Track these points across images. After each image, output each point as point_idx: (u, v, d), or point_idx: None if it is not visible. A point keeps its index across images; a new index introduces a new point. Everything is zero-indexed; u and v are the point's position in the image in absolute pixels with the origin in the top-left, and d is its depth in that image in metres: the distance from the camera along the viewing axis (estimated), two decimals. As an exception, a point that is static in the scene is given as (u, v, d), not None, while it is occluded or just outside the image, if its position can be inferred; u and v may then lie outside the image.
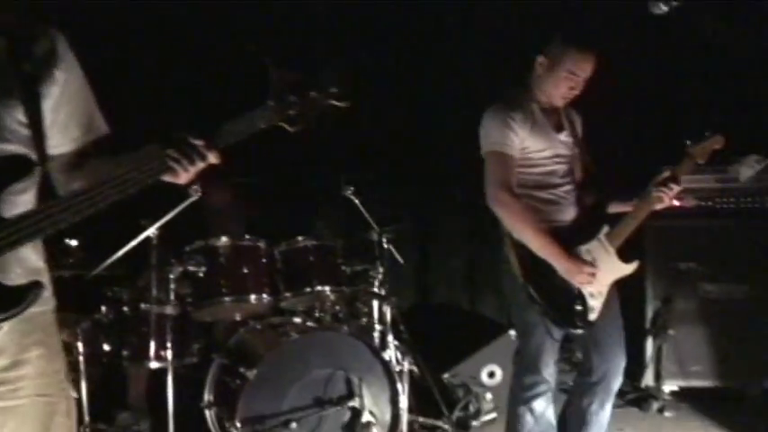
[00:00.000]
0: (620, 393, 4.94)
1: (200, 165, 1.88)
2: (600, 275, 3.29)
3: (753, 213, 4.74)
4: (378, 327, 4.42)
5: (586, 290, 3.30)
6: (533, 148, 3.31)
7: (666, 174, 3.29)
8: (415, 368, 4.44)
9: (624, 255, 3.33)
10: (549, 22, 5.25)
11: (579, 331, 3.33)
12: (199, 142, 1.86)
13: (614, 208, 3.46)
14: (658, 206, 3.31)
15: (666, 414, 4.78)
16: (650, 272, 4.82)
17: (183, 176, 1.89)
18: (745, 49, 4.50)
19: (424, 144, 5.47)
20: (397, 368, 4.28)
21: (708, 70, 4.94)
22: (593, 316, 3.30)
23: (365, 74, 5.00)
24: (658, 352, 4.84)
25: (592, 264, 3.28)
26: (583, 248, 3.31)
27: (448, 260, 5.55)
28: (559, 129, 3.41)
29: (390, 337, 4.41)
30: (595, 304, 3.31)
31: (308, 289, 4.16)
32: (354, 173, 4.49)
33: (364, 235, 4.53)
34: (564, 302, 3.29)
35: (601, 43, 3.30)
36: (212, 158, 1.89)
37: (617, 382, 3.47)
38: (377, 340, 4.39)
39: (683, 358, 4.87)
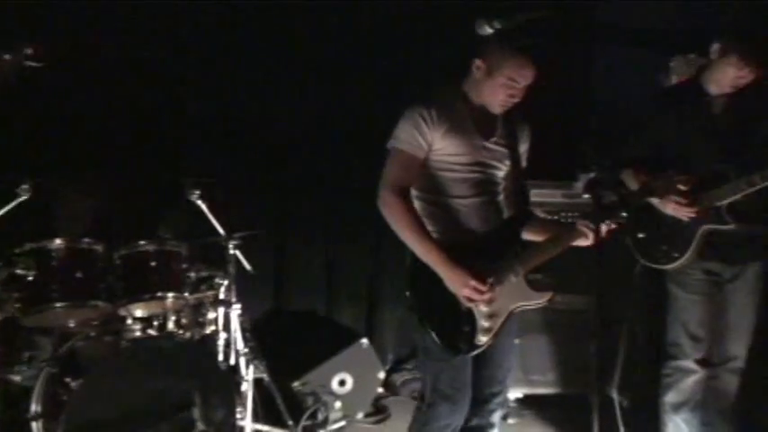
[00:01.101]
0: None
1: None
2: (500, 298, 3.07)
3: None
4: (223, 334, 4.36)
5: (481, 310, 3.06)
6: (447, 151, 3.10)
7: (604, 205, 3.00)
8: (264, 376, 4.41)
9: (538, 282, 3.14)
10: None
11: (462, 356, 3.07)
12: None
13: (530, 234, 3.22)
14: (580, 243, 3.07)
15: (510, 421, 4.87)
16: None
17: None
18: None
19: (282, 149, 5.41)
20: (246, 377, 4.25)
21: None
22: (483, 338, 3.05)
23: (221, 74, 5.07)
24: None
25: (488, 281, 3.03)
26: (482, 264, 3.06)
27: (305, 267, 5.48)
28: (488, 136, 3.18)
29: (240, 345, 4.36)
30: (489, 326, 3.06)
31: (149, 295, 4.06)
32: (205, 177, 4.39)
33: (212, 240, 4.45)
34: (449, 321, 3.05)
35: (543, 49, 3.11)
36: None
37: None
38: (221, 348, 4.33)
39: (529, 366, 4.93)
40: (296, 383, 4.66)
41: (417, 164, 3.10)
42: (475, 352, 3.07)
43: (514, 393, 4.96)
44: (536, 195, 4.82)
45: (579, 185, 4.74)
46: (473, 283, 2.98)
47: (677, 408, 3.92)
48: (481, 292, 2.99)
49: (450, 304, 3.02)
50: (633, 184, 3.80)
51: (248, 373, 4.28)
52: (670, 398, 3.94)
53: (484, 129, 3.18)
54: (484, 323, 3.05)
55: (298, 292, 5.55)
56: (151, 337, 4.07)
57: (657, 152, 3.79)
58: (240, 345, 4.36)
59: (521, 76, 3.06)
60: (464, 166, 3.12)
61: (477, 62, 3.13)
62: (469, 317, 3.04)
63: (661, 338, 4.04)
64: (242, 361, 4.32)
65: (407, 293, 3.07)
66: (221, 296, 4.39)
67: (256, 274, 4.86)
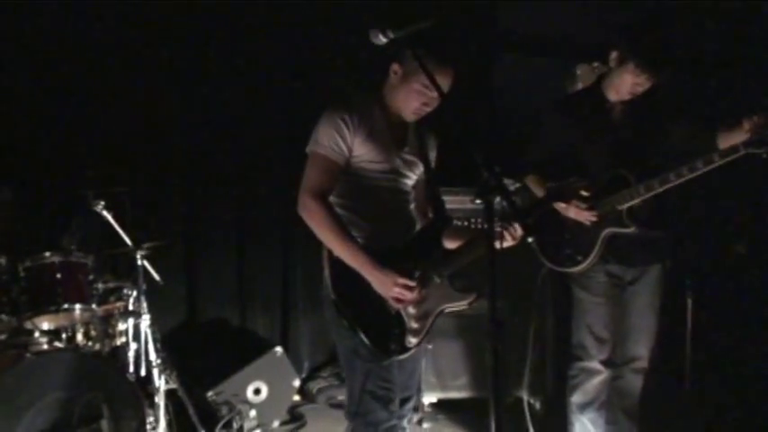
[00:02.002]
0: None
1: None
2: (427, 299, 3.05)
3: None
4: (133, 345, 4.33)
5: (409, 312, 3.04)
6: (366, 158, 3.06)
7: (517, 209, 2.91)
8: (176, 387, 4.36)
9: (461, 284, 3.13)
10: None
11: (394, 357, 3.01)
12: None
13: (447, 240, 3.19)
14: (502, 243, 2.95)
15: (424, 425, 4.91)
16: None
17: None
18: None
19: (189, 156, 5.35)
20: (161, 388, 4.23)
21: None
22: (413, 340, 3.03)
23: (126, 80, 5.00)
24: (418, 366, 4.88)
25: (414, 280, 2.98)
26: (411, 270, 3.01)
27: (217, 277, 5.43)
28: (402, 145, 3.15)
29: (152, 356, 4.32)
30: (417, 327, 3.04)
31: (55, 307, 4.01)
32: (110, 186, 4.33)
33: (119, 251, 4.40)
34: (379, 323, 2.99)
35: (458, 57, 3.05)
36: None
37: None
38: (132, 359, 4.29)
39: (442, 371, 4.97)
40: (210, 393, 4.63)
41: (338, 169, 3.04)
42: (406, 354, 3.04)
43: (428, 398, 4.99)
44: (447, 203, 4.88)
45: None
46: (401, 280, 2.92)
47: (583, 407, 3.97)
48: (410, 290, 2.94)
49: (378, 307, 2.98)
50: (538, 190, 3.87)
51: (160, 384, 4.24)
52: (576, 398, 3.98)
53: (398, 137, 3.16)
54: (413, 324, 3.02)
55: (210, 303, 5.49)
56: (56, 349, 3.98)
57: (558, 158, 3.86)
58: (152, 355, 4.31)
59: (440, 82, 2.91)
60: (381, 174, 3.09)
61: (395, 66, 3.07)
62: (398, 319, 3.01)
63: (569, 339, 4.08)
64: (154, 372, 4.28)
65: (333, 298, 2.98)
66: (130, 307, 4.36)
67: (168, 286, 4.82)
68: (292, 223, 3.18)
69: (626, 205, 3.70)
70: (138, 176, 4.89)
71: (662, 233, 3.86)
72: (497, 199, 2.56)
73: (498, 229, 2.87)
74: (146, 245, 4.36)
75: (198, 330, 5.41)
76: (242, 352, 4.94)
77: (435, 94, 2.94)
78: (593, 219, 3.73)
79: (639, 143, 3.77)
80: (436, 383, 4.99)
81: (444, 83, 2.95)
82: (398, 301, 2.96)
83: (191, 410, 4.31)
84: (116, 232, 4.30)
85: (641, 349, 3.95)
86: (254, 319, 5.58)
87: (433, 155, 3.31)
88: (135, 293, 4.35)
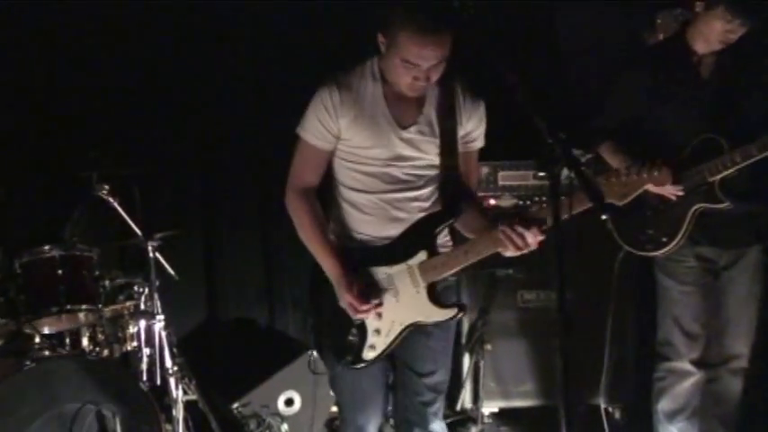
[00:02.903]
0: (437, 418, 5.03)
1: None
2: (393, 310, 3.10)
3: (576, 214, 4.83)
4: (146, 350, 4.37)
5: (371, 323, 3.12)
6: (356, 142, 3.08)
7: (531, 211, 2.94)
8: (196, 397, 4.43)
9: (442, 296, 3.12)
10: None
11: (350, 367, 3.16)
12: None
13: (466, 231, 3.17)
14: (502, 251, 2.93)
15: (485, 439, 4.90)
16: (464, 279, 4.86)
17: None
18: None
19: (213, 138, 5.39)
20: (179, 398, 4.26)
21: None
22: (369, 354, 3.12)
23: (130, 53, 5.04)
24: (475, 370, 4.91)
25: (371, 302, 3.06)
26: (381, 271, 3.11)
27: (241, 271, 5.49)
28: (408, 123, 3.10)
29: (168, 362, 4.36)
30: (378, 342, 3.11)
31: (57, 308, 4.06)
32: (117, 169, 4.37)
33: (128, 243, 4.46)
34: (339, 328, 3.15)
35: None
36: None
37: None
38: (144, 366, 4.35)
39: (504, 376, 4.97)
40: (236, 405, 4.65)
41: (323, 156, 3.14)
42: (359, 366, 3.15)
43: (488, 407, 4.99)
44: (506, 179, 4.90)
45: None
46: (348, 298, 3.03)
47: (672, 416, 3.96)
48: (357, 310, 3.05)
49: (342, 312, 3.12)
50: (613, 161, 3.84)
51: (178, 395, 4.28)
52: (664, 405, 3.98)
53: (402, 114, 3.11)
54: (372, 338, 3.11)
55: (234, 301, 5.54)
56: (59, 355, 4.03)
57: (636, 122, 3.84)
58: (168, 362, 4.35)
59: (418, 57, 2.88)
60: (373, 160, 3.10)
61: (380, 36, 3.00)
62: (362, 329, 3.13)
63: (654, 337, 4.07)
64: (170, 380, 4.31)
65: (308, 297, 3.25)
66: (142, 307, 4.40)
67: (185, 281, 4.86)
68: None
69: (718, 176, 3.67)
70: (148, 156, 4.92)
71: (762, 208, 3.83)
72: (564, 171, 2.54)
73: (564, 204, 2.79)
74: (158, 235, 4.39)
75: (220, 332, 5.45)
76: (271, 357, 4.97)
77: (423, 67, 2.91)
78: (680, 192, 3.69)
79: (733, 102, 3.73)
80: (497, 390, 4.98)
81: (426, 56, 2.89)
82: (355, 311, 3.06)
83: (213, 424, 4.36)
84: (124, 221, 4.34)
85: (740, 346, 3.93)
86: (284, 318, 5.60)
87: (470, 127, 3.20)
88: (147, 291, 4.38)
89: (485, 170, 4.90)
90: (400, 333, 3.10)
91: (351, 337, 3.13)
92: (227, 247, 5.50)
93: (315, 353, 4.69)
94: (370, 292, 3.08)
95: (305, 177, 3.16)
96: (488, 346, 4.83)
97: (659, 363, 3.98)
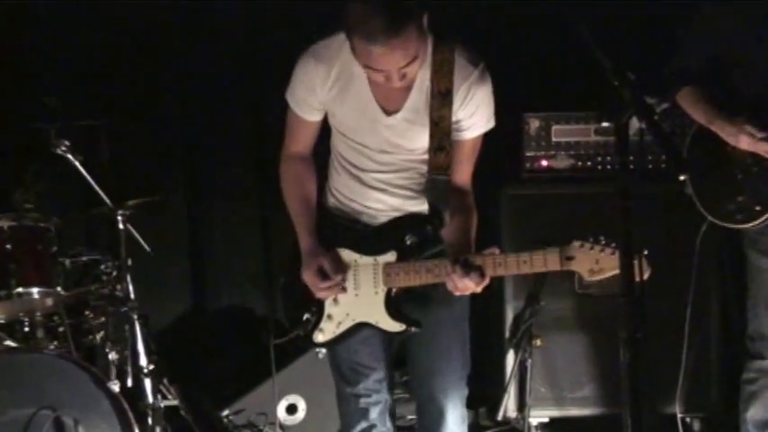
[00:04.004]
0: (476, 429, 5.00)
1: None
2: (350, 302, 3.43)
3: (648, 176, 4.79)
4: (113, 345, 4.35)
5: (328, 306, 3.46)
6: (340, 120, 3.37)
7: (485, 253, 3.14)
8: (177, 403, 4.46)
9: (399, 304, 3.35)
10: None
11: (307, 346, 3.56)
12: None
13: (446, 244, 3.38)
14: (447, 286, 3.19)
15: (535, 453, 4.90)
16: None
17: None
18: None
19: (200, 83, 5.37)
20: (156, 404, 4.29)
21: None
22: (318, 337, 3.49)
23: None
24: (522, 371, 4.87)
25: (338, 271, 3.38)
26: (352, 257, 3.44)
27: (235, 247, 5.48)
28: (393, 109, 3.29)
29: (142, 360, 4.38)
30: (327, 329, 3.47)
31: (4, 291, 4.08)
32: (80, 119, 4.39)
33: (94, 212, 4.46)
34: (302, 299, 3.47)
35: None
36: None
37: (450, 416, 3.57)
38: (113, 364, 4.36)
39: (557, 378, 4.94)
40: (226, 412, 4.67)
41: (311, 126, 3.45)
42: (309, 346, 3.56)
43: (538, 416, 4.95)
44: (561, 134, 4.85)
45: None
46: (309, 275, 3.37)
47: (765, 427, 3.97)
48: (317, 288, 3.38)
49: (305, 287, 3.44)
50: (695, 111, 3.86)
51: (154, 399, 4.29)
52: (754, 413, 3.98)
53: (388, 99, 3.28)
54: (323, 323, 3.47)
55: (225, 284, 5.54)
56: (8, 350, 4.06)
57: (721, 64, 3.81)
58: (142, 359, 4.36)
59: (379, 64, 3.00)
60: (353, 143, 3.40)
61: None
62: (319, 310, 3.48)
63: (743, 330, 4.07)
64: (146, 382, 4.33)
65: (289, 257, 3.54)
66: (111, 291, 4.37)
67: (165, 260, 4.91)
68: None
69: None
70: (119, 106, 4.92)
71: None
72: (634, 122, 2.50)
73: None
74: (131, 202, 4.39)
75: (208, 323, 5.46)
76: (269, 354, 4.95)
77: (391, 69, 3.01)
78: (780, 150, 3.68)
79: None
80: (549, 396, 4.94)
81: (387, 60, 2.97)
82: (315, 289, 3.40)
83: (200, 436, 4.34)
84: (89, 185, 4.30)
85: None
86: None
87: (466, 113, 3.30)
88: (117, 271, 4.37)
89: (534, 124, 4.85)
90: (350, 329, 3.43)
91: (307, 314, 3.47)
92: (217, 218, 5.50)
93: (323, 350, 4.75)
94: (337, 272, 3.38)
95: (295, 145, 3.51)
96: (538, 342, 4.78)
97: (749, 362, 3.98)
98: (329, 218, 3.52)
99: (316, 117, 3.40)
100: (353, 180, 3.46)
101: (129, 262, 4.39)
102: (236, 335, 5.43)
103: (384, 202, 3.44)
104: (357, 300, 3.41)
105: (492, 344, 5.04)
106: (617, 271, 2.76)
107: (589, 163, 4.86)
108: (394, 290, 3.34)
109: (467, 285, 3.11)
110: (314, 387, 4.79)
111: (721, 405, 4.76)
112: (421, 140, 3.30)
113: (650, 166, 4.71)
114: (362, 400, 3.59)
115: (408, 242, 3.34)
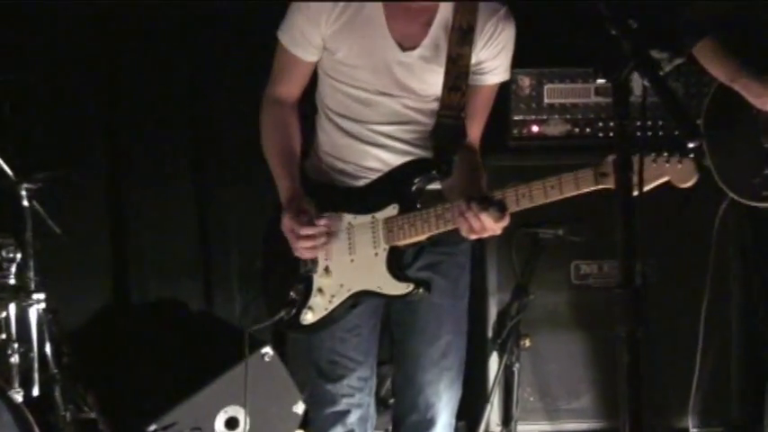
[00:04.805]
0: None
1: None
2: (344, 270, 3.45)
3: (659, 145, 4.78)
4: (16, 346, 4.31)
5: (317, 279, 3.47)
6: (342, 57, 3.41)
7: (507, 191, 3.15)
8: (94, 415, 4.48)
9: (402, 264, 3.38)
10: None
11: (285, 329, 3.65)
12: None
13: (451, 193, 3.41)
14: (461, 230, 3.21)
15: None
16: (491, 245, 4.85)
17: None
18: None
19: (122, 29, 5.34)
20: (66, 416, 4.30)
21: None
22: (307, 317, 3.48)
23: None
24: (507, 377, 4.89)
25: (319, 222, 3.37)
26: (345, 219, 3.46)
27: (166, 232, 5.47)
28: (410, 44, 3.38)
29: (53, 364, 4.40)
30: (318, 305, 3.48)
31: None
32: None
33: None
34: (284, 279, 3.52)
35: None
36: None
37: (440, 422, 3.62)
38: (15, 369, 4.29)
39: (549, 386, 4.99)
40: (153, 427, 4.65)
41: (305, 66, 3.52)
42: (295, 331, 3.56)
43: (527, 429, 4.99)
44: (555, 94, 4.89)
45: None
46: (288, 221, 3.35)
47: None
48: (297, 236, 3.35)
49: (293, 263, 3.50)
50: (716, 68, 3.90)
51: (66, 411, 4.31)
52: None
53: (405, 33, 3.38)
54: (312, 299, 3.48)
55: (154, 274, 5.52)
56: None
57: (744, 13, 3.85)
58: (51, 363, 4.37)
59: None
60: (366, 85, 3.43)
61: None
62: (307, 285, 3.50)
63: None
64: (56, 390, 4.35)
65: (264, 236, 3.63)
66: (12, 280, 4.34)
67: (80, 244, 4.91)
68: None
69: None
70: (24, 56, 4.95)
71: None
72: (636, 78, 2.48)
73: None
74: (39, 175, 4.38)
75: (132, 321, 5.44)
76: (207, 357, 5.00)
77: None
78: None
79: None
80: (540, 407, 5.00)
81: None
82: (296, 238, 3.38)
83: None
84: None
85: None
86: (227, 301, 5.57)
87: (488, 55, 3.45)
88: (20, 257, 4.33)
89: (525, 82, 4.89)
90: (346, 301, 3.44)
91: (293, 293, 3.50)
92: (144, 196, 5.46)
93: (271, 351, 4.75)
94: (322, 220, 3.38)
95: (281, 87, 3.57)
96: (527, 343, 4.82)
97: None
98: (315, 187, 3.53)
99: (313, 56, 3.46)
100: (348, 137, 3.51)
101: (36, 246, 4.38)
102: (166, 334, 5.42)
103: (384, 161, 3.47)
104: (353, 266, 3.43)
105: (473, 345, 5.03)
106: (665, 178, 2.97)
107: (588, 129, 4.90)
108: (398, 247, 3.36)
109: (485, 224, 3.10)
110: (257, 397, 4.74)
111: (742, 419, 4.80)
112: (435, 85, 3.40)
113: (661, 133, 4.74)
114: (344, 401, 3.63)
115: (414, 188, 3.38)
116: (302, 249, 3.39)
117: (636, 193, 2.48)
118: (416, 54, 3.37)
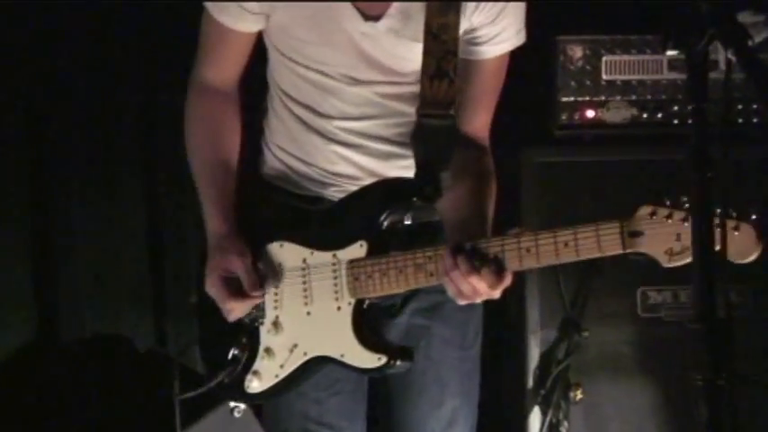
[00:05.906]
0: None
1: None
2: (299, 325, 3.38)
3: (743, 135, 4.78)
4: None
5: (264, 336, 3.43)
6: (290, 30, 3.36)
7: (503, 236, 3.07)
8: None
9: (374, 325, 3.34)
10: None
11: (225, 395, 3.57)
12: None
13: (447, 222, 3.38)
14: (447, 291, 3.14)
15: None
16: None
17: None
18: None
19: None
20: None
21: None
22: (253, 385, 3.45)
23: None
24: (552, 437, 4.90)
25: (259, 282, 3.37)
26: (298, 253, 3.39)
27: (108, 254, 5.54)
28: (375, 13, 3.29)
29: None
30: (265, 370, 3.42)
31: None
32: None
33: None
34: (218, 330, 3.50)
35: None
36: None
37: None
38: None
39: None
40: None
41: (242, 41, 3.46)
42: (241, 400, 3.56)
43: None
44: (615, 68, 4.89)
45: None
46: (212, 281, 3.38)
47: None
48: (226, 306, 3.38)
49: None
50: None
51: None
52: None
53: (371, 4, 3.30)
54: (258, 362, 3.44)
55: (92, 303, 5.56)
56: None
57: None
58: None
59: None
60: (314, 71, 3.40)
61: None
62: (253, 341, 3.45)
63: None
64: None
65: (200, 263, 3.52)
66: None
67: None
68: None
69: None
70: None
71: None
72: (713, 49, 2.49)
73: None
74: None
75: (62, 361, 5.42)
76: (158, 408, 4.91)
77: None
78: None
79: None
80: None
81: None
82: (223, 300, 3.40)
83: None
84: None
85: None
86: (183, 334, 5.54)
87: (476, 23, 3.34)
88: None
89: (577, 53, 4.86)
90: (303, 367, 3.36)
91: (235, 350, 3.43)
92: (80, 207, 5.54)
93: (242, 405, 4.76)
94: (255, 284, 3.35)
95: (211, 70, 3.52)
96: (579, 395, 4.82)
97: None
98: (266, 193, 3.51)
99: (251, 26, 3.38)
100: (309, 132, 3.45)
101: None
102: (105, 379, 5.39)
103: (360, 165, 3.44)
104: (310, 321, 3.33)
105: (508, 398, 5.05)
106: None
107: (659, 115, 4.89)
108: (366, 302, 3.26)
109: (475, 288, 2.98)
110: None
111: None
112: (415, 60, 3.29)
113: (755, 120, 4.72)
114: None
115: (385, 223, 3.25)
116: (230, 316, 3.38)
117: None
118: (382, 25, 3.28)
